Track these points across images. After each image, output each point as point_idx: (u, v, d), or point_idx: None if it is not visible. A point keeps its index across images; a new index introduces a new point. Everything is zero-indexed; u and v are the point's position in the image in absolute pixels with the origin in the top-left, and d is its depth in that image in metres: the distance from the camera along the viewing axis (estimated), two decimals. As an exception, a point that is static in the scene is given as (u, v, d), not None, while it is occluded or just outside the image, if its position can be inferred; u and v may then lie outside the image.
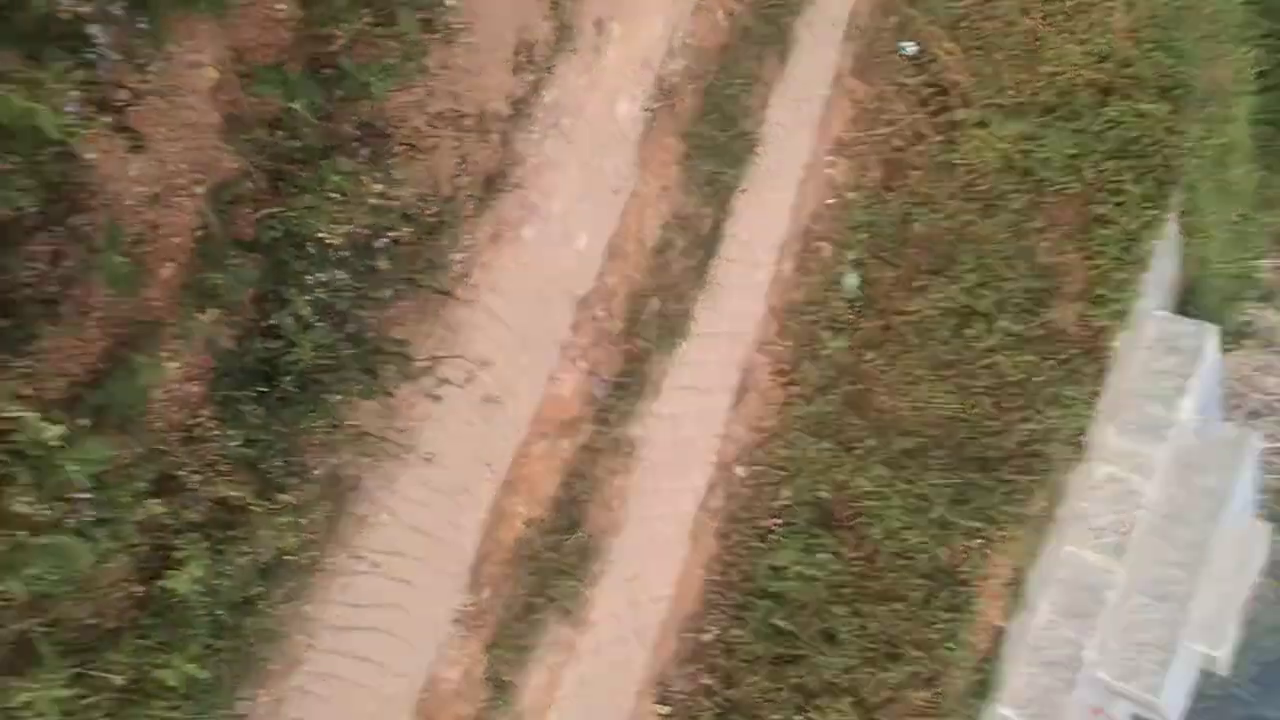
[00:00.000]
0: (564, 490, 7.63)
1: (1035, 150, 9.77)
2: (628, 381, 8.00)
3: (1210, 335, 10.60)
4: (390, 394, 6.30)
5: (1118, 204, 9.74)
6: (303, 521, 5.84)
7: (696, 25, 8.17)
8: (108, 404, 4.93)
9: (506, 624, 7.41)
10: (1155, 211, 9.81)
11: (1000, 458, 9.35)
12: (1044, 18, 9.87)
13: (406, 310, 6.54)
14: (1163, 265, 10.62)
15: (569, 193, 7.54)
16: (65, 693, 4.94)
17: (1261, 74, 12.04)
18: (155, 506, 5.19)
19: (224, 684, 5.76)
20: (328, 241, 5.61)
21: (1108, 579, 9.98)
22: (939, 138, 9.86)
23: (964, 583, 9.17)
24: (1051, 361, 9.50)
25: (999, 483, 9.29)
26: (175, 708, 5.40)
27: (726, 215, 8.57)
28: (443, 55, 6.33)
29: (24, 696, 4.82)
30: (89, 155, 4.69)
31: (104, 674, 5.17)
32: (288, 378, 5.69)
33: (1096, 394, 9.65)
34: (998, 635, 9.53)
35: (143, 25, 4.71)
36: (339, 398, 5.97)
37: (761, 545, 9.18)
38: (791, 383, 9.40)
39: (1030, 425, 9.38)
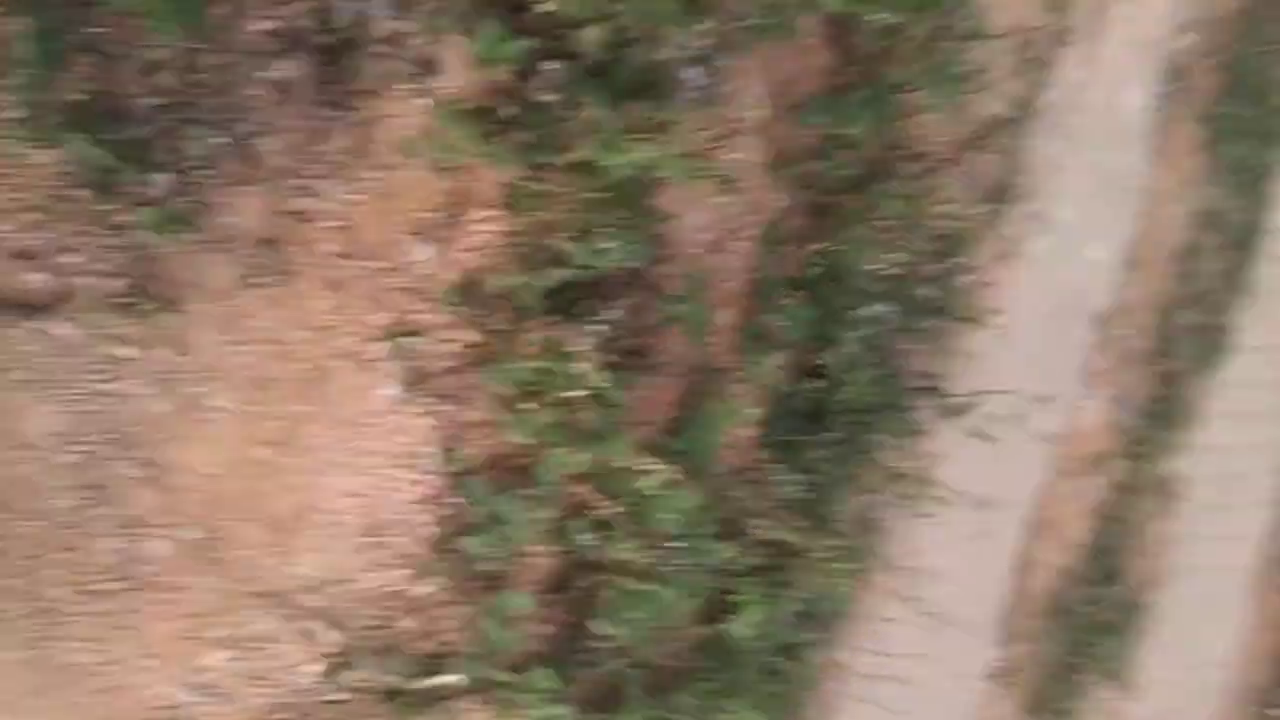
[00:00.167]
0: (1096, 535, 6.94)
1: None
2: (1161, 409, 7.17)
3: None
4: (924, 432, 5.97)
5: None
6: (853, 567, 5.62)
7: (1205, -7, 7.28)
8: (687, 451, 4.93)
9: (1044, 683, 6.82)
10: None
11: None
12: None
13: (924, 340, 6.22)
14: None
15: (1077, 198, 6.90)
16: (644, 731, 5.01)
17: None
18: (726, 551, 5.14)
19: (776, 731, 5.65)
20: (876, 273, 5.37)
21: None
22: None
23: None
24: None
25: None
26: (733, 753, 5.35)
27: (1264, 206, 7.51)
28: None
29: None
30: (673, 205, 4.69)
31: (673, 715, 5.24)
32: (835, 418, 5.52)
33: None
34: None
35: (720, 64, 4.67)
36: (878, 437, 5.73)
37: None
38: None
39: None
